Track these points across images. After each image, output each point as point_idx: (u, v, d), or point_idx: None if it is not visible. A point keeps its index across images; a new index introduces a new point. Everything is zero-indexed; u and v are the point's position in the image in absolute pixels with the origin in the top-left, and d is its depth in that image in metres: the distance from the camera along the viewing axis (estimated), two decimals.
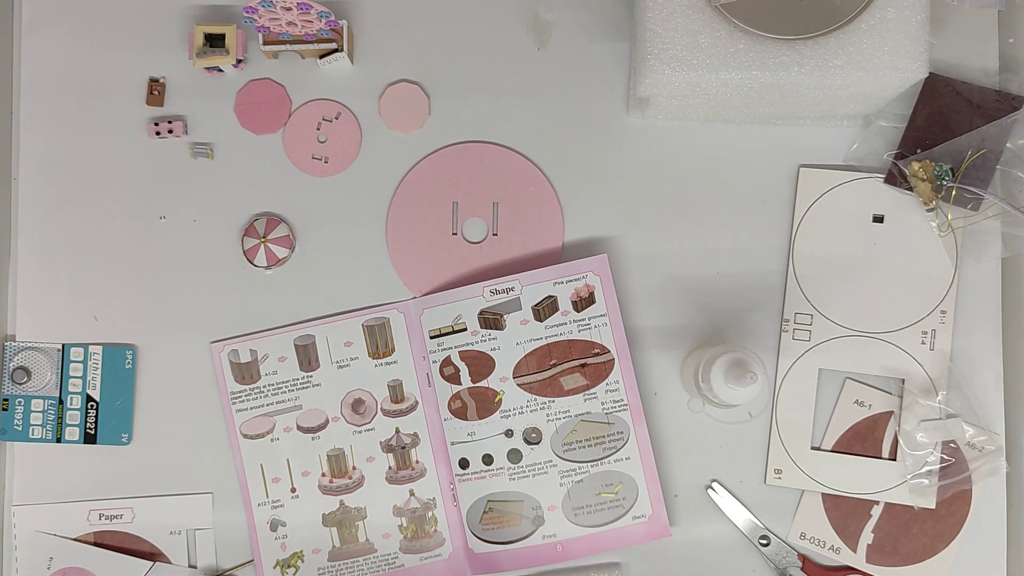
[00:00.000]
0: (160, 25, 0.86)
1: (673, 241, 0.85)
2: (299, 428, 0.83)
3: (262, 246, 0.84)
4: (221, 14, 0.86)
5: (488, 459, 0.82)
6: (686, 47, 0.75)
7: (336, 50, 0.83)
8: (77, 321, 0.84)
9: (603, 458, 0.82)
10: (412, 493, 0.83)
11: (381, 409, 0.84)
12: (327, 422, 0.83)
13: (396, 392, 0.83)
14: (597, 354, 0.82)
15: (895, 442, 0.83)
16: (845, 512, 0.83)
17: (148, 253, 0.85)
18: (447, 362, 0.83)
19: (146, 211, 0.85)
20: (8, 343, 0.84)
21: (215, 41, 0.83)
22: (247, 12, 0.79)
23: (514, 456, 0.82)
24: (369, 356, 0.84)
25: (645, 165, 0.85)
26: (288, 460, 0.83)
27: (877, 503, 0.83)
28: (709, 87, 0.77)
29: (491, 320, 0.82)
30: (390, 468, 0.83)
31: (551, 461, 0.82)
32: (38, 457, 0.84)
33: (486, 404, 0.82)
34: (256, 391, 0.84)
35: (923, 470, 0.82)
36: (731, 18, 0.75)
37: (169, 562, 0.83)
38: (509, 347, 0.82)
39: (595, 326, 0.82)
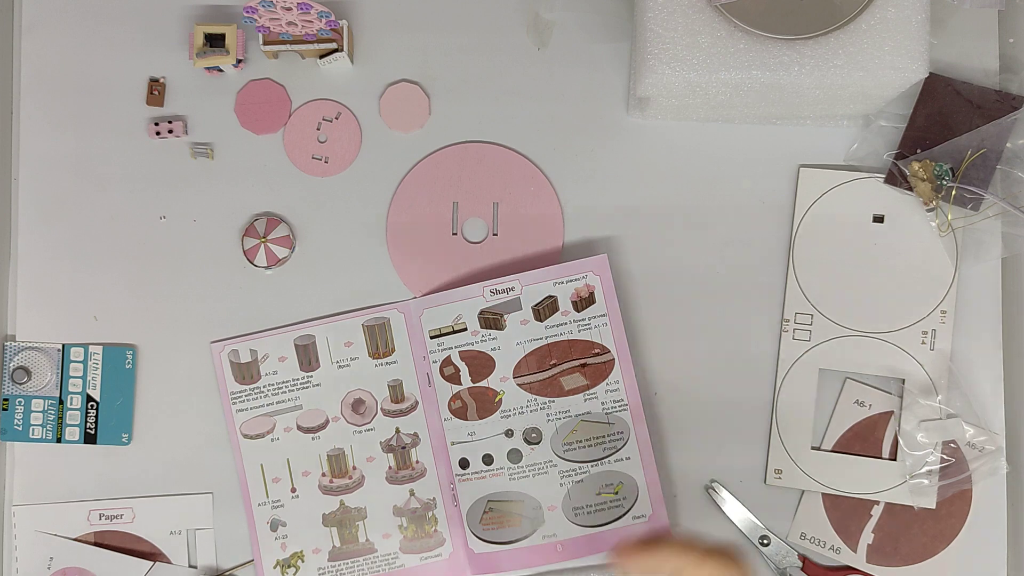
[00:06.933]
0: (160, 25, 0.86)
1: (673, 241, 0.85)
2: (299, 428, 0.83)
3: (262, 246, 0.84)
4: (221, 14, 0.86)
5: (488, 459, 0.82)
6: (686, 47, 0.75)
7: (336, 50, 0.83)
8: (77, 321, 0.84)
9: (603, 458, 0.82)
10: (412, 493, 0.83)
11: (381, 409, 0.84)
12: (327, 422, 0.83)
13: (396, 392, 0.83)
14: (597, 354, 0.82)
15: (895, 442, 0.83)
16: (845, 512, 0.83)
17: (148, 253, 0.85)
18: (447, 362, 0.83)
19: (146, 211, 0.85)
20: (8, 343, 0.84)
21: (215, 41, 0.83)
22: (247, 12, 0.79)
23: (514, 456, 0.82)
24: (369, 356, 0.84)
25: (645, 165, 0.85)
26: (288, 460, 0.83)
27: (877, 503, 0.83)
28: (709, 87, 0.77)
29: (491, 320, 0.82)
30: (390, 468, 0.83)
31: (551, 461, 0.82)
32: (38, 457, 0.84)
33: (486, 404, 0.82)
34: (256, 391, 0.84)
35: (923, 470, 0.82)
36: (731, 18, 0.75)
37: (169, 562, 0.83)
38: (509, 347, 0.82)
39: (595, 326, 0.82)
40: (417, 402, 0.83)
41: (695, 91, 0.78)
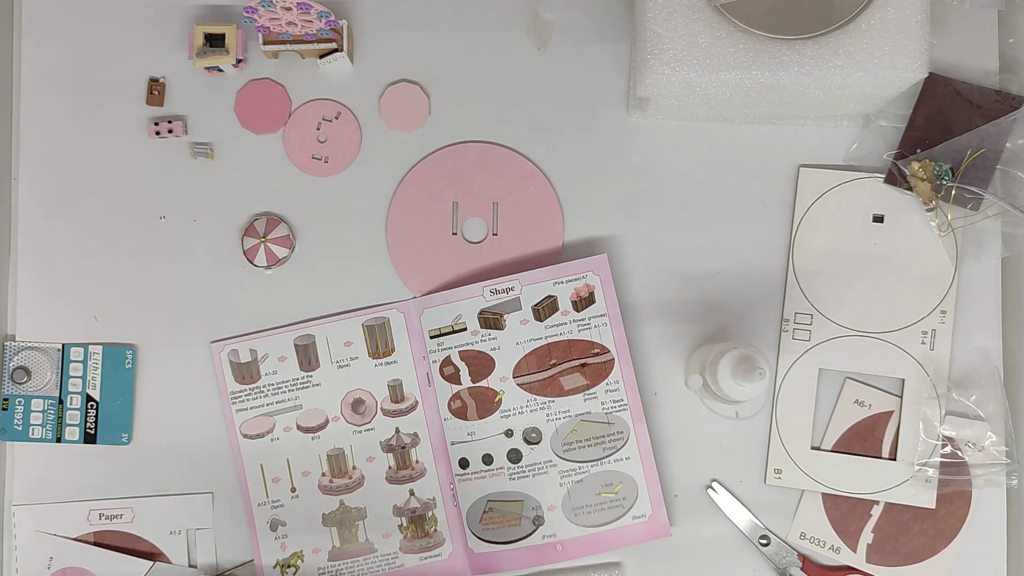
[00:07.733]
0: (160, 25, 0.86)
1: (673, 241, 0.85)
2: (299, 428, 0.83)
3: (262, 246, 0.84)
4: (221, 14, 0.86)
5: (488, 459, 0.82)
6: (686, 47, 0.75)
7: (336, 50, 0.83)
8: (77, 321, 0.84)
9: (603, 458, 0.82)
10: (412, 493, 0.83)
11: (381, 409, 0.84)
12: (327, 422, 0.83)
13: (396, 392, 0.83)
14: (597, 354, 0.82)
15: (895, 442, 0.83)
16: (845, 512, 0.83)
17: (148, 253, 0.85)
18: (447, 362, 0.83)
19: (146, 211, 0.85)
20: (8, 343, 0.84)
21: (215, 41, 0.83)
22: (247, 12, 0.79)
23: (514, 456, 0.82)
24: (369, 356, 0.84)
25: (645, 165, 0.85)
26: (288, 460, 0.83)
27: (877, 503, 0.83)
28: (709, 87, 0.77)
29: (491, 320, 0.82)
30: (390, 468, 0.83)
31: (551, 461, 0.82)
32: (38, 457, 0.84)
33: (486, 404, 0.82)
34: (256, 391, 0.84)
35: (931, 459, 0.81)
36: (731, 18, 0.75)
37: (169, 562, 0.83)
38: (509, 347, 0.82)
39: (595, 326, 0.82)
40: (417, 402, 0.83)
41: (695, 91, 0.78)
